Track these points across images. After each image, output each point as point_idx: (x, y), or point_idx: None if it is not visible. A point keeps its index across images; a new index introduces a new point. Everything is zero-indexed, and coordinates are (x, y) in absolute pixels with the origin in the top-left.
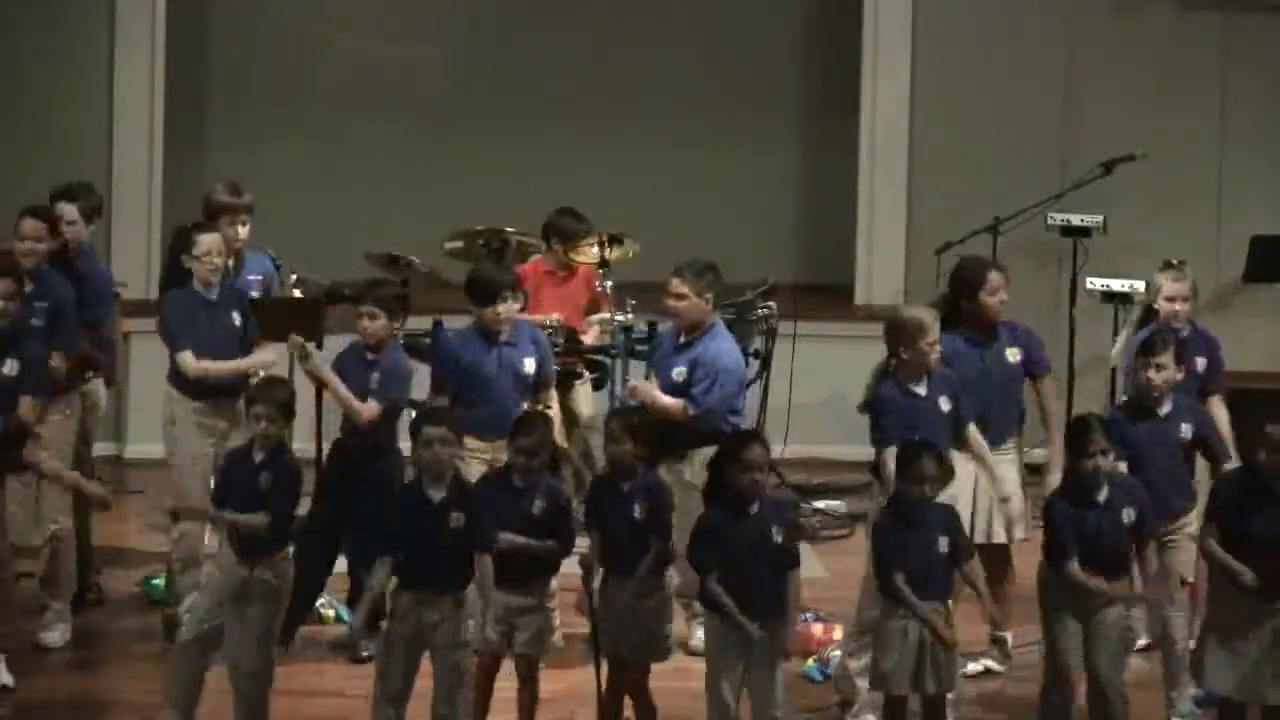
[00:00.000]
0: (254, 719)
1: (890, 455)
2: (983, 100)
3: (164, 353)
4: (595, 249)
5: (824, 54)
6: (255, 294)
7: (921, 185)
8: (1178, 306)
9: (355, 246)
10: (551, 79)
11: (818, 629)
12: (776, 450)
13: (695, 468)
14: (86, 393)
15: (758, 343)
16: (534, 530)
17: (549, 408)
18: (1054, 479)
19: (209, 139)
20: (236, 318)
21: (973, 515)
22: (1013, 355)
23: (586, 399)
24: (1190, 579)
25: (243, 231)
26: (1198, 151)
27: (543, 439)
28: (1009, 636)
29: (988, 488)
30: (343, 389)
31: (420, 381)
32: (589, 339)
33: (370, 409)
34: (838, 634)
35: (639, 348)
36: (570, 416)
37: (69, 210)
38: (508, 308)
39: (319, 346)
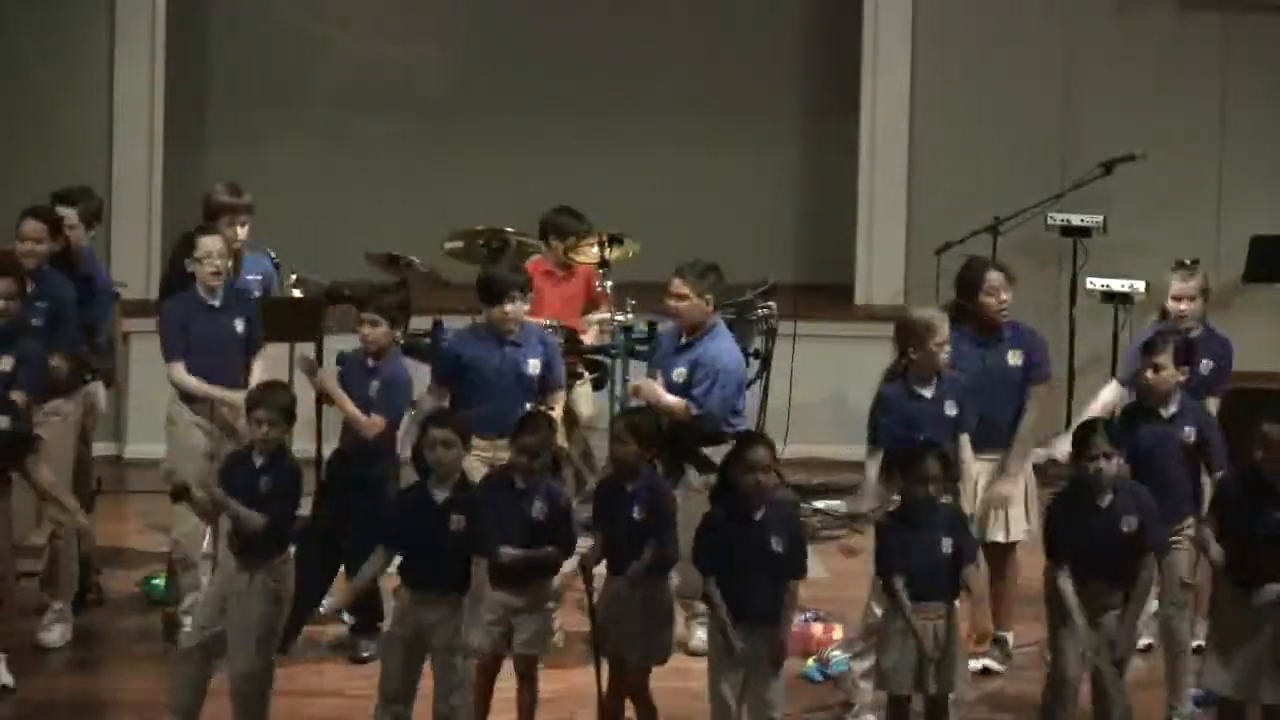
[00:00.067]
0: None
1: (875, 459)
2: (983, 100)
3: None
4: (595, 249)
5: (824, 54)
6: (255, 294)
7: (921, 185)
8: (1184, 306)
9: (355, 246)
10: (551, 79)
11: (818, 629)
12: (777, 450)
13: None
14: (86, 393)
15: (758, 343)
16: (534, 533)
17: (552, 409)
18: (1004, 488)
19: (209, 139)
20: (239, 324)
21: (971, 515)
22: (1014, 358)
23: (586, 399)
24: (1191, 581)
25: (242, 232)
26: (1198, 151)
27: (545, 439)
28: (1009, 636)
29: (987, 488)
30: (350, 405)
31: (420, 380)
32: (589, 339)
33: (375, 423)
34: (838, 634)
35: (639, 348)
36: (570, 417)
37: (69, 215)
38: (515, 308)
39: (319, 347)
